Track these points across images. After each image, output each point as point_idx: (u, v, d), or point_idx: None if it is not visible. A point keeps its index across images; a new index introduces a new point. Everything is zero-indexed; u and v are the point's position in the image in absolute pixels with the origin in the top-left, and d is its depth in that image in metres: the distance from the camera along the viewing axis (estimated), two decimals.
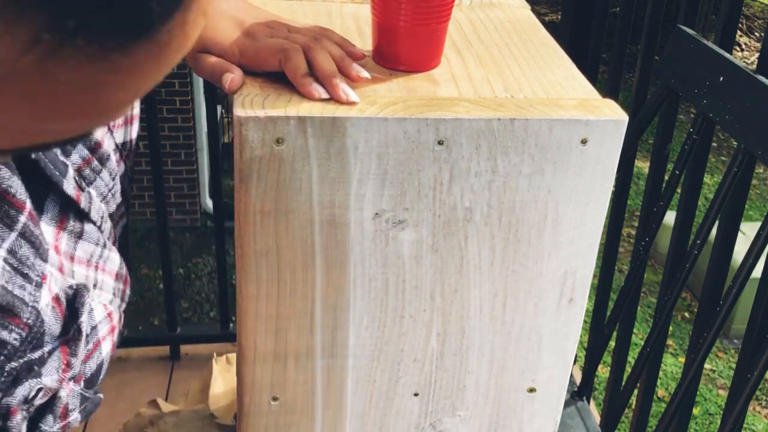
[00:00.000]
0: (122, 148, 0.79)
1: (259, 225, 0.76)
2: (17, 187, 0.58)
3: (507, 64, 0.86)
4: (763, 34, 9.77)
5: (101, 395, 0.70)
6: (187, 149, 6.01)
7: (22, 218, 0.58)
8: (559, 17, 2.14)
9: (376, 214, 0.77)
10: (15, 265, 0.58)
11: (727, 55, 1.14)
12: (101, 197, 0.71)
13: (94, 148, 0.69)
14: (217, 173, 2.18)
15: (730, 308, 1.09)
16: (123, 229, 0.81)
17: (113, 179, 0.73)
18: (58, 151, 0.64)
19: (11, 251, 0.57)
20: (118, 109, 0.35)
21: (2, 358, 0.58)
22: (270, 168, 0.73)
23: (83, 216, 0.67)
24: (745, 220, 1.75)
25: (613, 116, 0.76)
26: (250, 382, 0.85)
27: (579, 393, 1.44)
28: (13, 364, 0.59)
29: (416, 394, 0.88)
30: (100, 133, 0.70)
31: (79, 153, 0.67)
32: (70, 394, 0.66)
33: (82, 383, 0.68)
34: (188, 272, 5.92)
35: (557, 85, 0.82)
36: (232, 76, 0.76)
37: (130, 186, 0.83)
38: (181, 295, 5.57)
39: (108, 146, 0.72)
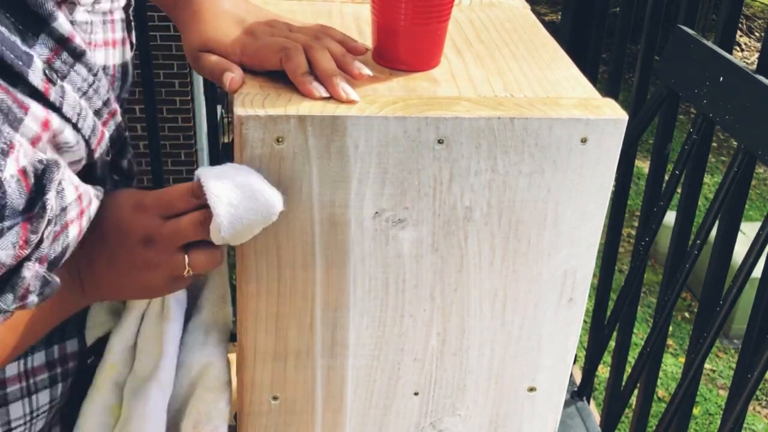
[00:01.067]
0: (106, 73, 0.77)
1: None
2: None
3: (507, 64, 0.86)
4: (763, 34, 9.78)
5: (59, 280, 0.68)
6: (187, 149, 6.01)
7: None
8: (559, 17, 2.14)
9: (376, 213, 0.77)
10: None
11: (727, 55, 1.14)
12: (80, 92, 0.68)
13: (63, 41, 0.65)
14: None
15: (730, 308, 1.09)
16: (122, 133, 0.79)
17: (95, 76, 0.70)
18: (18, 40, 0.61)
19: None
20: None
21: None
22: (270, 167, 0.73)
23: (56, 110, 0.65)
24: (745, 220, 1.75)
25: (613, 115, 0.76)
26: (250, 381, 0.85)
27: (579, 393, 1.44)
28: None
29: (416, 394, 0.88)
30: (67, 25, 0.66)
31: (44, 44, 0.64)
32: (34, 276, 0.63)
33: (46, 265, 0.65)
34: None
35: (557, 84, 0.82)
36: (233, 76, 0.76)
37: (123, 113, 0.81)
38: None
39: (80, 43, 0.68)
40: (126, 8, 0.82)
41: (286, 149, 0.73)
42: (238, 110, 0.72)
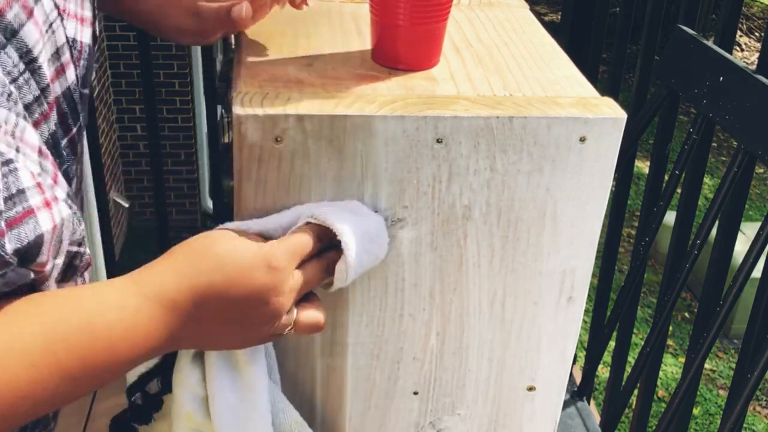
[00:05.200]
0: (72, 46, 0.72)
1: None
2: None
3: (506, 64, 0.86)
4: (763, 34, 9.77)
5: (32, 275, 0.62)
6: (187, 149, 6.01)
7: None
8: (559, 17, 2.14)
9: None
10: None
11: (727, 55, 1.14)
12: (8, 76, 0.62)
13: None
14: (217, 173, 2.18)
15: (730, 308, 1.09)
16: (56, 136, 0.71)
17: (25, 63, 0.64)
18: None
19: None
20: None
21: None
22: (269, 166, 0.73)
23: None
24: (745, 220, 1.75)
25: (612, 114, 0.76)
26: None
27: (579, 393, 1.44)
28: None
29: (416, 393, 0.88)
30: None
31: None
32: None
33: (6, 244, 0.59)
34: None
35: (556, 84, 0.82)
36: (245, 4, 0.77)
37: (82, 97, 0.75)
38: None
39: (19, 17, 0.63)
40: None
41: (285, 148, 0.73)
42: (237, 110, 0.71)
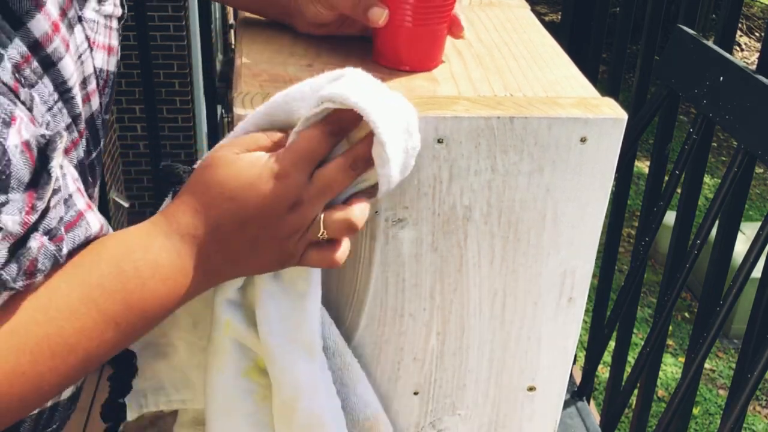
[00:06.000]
0: (98, 76, 0.75)
1: None
2: None
3: (506, 64, 0.86)
4: (763, 34, 9.77)
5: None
6: (187, 149, 6.02)
7: None
8: (559, 17, 2.14)
9: (376, 212, 0.77)
10: None
11: (727, 55, 1.14)
12: (46, 106, 0.65)
13: (35, 47, 0.63)
14: None
15: (730, 308, 1.09)
16: (83, 162, 0.75)
17: (60, 93, 0.67)
18: None
19: None
20: None
21: None
22: None
23: (29, 109, 0.63)
24: (745, 220, 1.75)
25: (613, 115, 0.76)
26: None
27: (579, 393, 1.44)
28: None
29: (416, 393, 0.88)
30: (45, 25, 0.64)
31: (16, 48, 0.61)
32: (41, 249, 0.61)
33: (63, 248, 0.63)
34: None
35: (556, 84, 0.82)
36: (384, 11, 0.77)
37: (103, 123, 0.78)
38: None
39: (59, 51, 0.66)
40: (120, 19, 0.82)
41: None
42: (238, 110, 0.71)
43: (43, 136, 0.60)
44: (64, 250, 0.64)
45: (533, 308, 0.85)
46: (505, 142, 0.75)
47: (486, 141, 0.75)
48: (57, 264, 0.63)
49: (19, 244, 0.59)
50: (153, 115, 2.01)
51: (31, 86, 0.63)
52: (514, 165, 0.76)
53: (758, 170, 7.05)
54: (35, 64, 0.63)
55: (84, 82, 0.73)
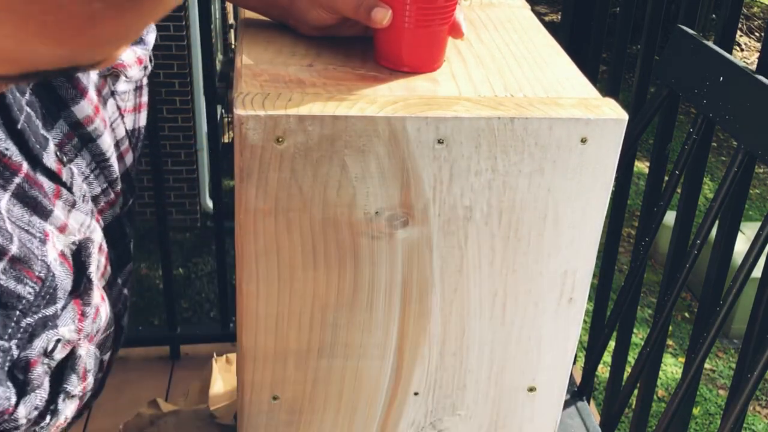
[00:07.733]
0: (131, 135, 0.79)
1: (259, 224, 0.76)
2: (13, 150, 0.59)
3: (507, 64, 0.86)
4: (763, 34, 9.77)
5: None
6: (187, 149, 6.01)
7: (17, 179, 0.60)
8: (559, 17, 2.14)
9: (376, 212, 0.77)
10: (17, 223, 0.60)
11: (727, 55, 1.14)
12: (82, 177, 0.70)
13: (76, 125, 0.68)
14: (217, 173, 2.18)
15: (730, 308, 1.09)
16: (119, 215, 0.80)
17: (97, 162, 0.72)
18: (40, 124, 0.64)
19: (8, 210, 0.59)
20: (110, 43, 0.34)
21: (18, 312, 0.59)
22: (270, 166, 0.73)
23: (68, 189, 0.68)
24: (745, 220, 1.75)
25: (613, 115, 0.76)
26: (251, 381, 0.85)
27: (579, 393, 1.44)
28: (29, 319, 0.60)
29: (416, 394, 0.88)
30: (88, 109, 0.69)
31: (60, 128, 0.67)
32: (88, 353, 0.66)
33: (94, 344, 0.68)
34: (188, 272, 5.92)
35: (557, 84, 0.82)
36: (388, 12, 0.77)
37: (138, 173, 0.83)
38: (181, 295, 5.56)
39: (98, 129, 0.71)
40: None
41: (287, 149, 0.73)
42: (238, 110, 0.72)
43: (73, 243, 0.65)
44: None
45: (533, 308, 0.85)
46: (506, 143, 0.75)
47: (486, 141, 0.75)
48: (101, 366, 0.70)
49: (68, 356, 0.65)
50: (153, 115, 2.01)
51: (70, 161, 0.68)
52: (515, 165, 0.76)
53: (758, 170, 7.05)
54: (76, 140, 0.69)
55: (117, 144, 0.77)
